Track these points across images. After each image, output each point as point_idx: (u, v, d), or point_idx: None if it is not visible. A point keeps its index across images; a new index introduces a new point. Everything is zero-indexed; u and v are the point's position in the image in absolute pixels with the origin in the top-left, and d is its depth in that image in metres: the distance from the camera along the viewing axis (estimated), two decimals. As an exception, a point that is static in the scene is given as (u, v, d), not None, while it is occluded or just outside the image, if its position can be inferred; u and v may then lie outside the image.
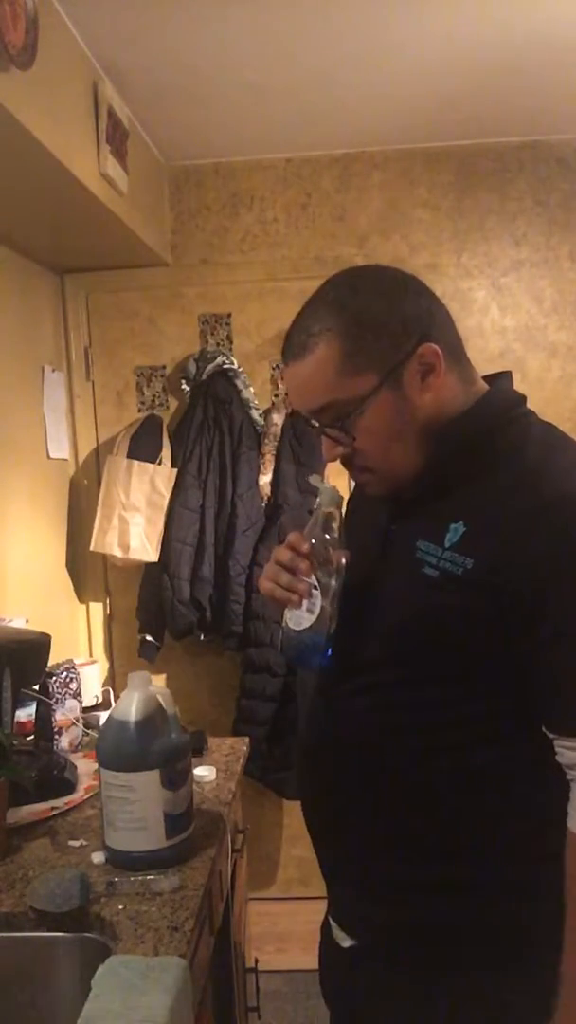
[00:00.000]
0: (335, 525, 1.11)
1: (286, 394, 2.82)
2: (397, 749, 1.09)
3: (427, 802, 1.08)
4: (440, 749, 1.07)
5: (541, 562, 0.97)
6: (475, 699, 1.05)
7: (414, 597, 1.06)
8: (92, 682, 2.22)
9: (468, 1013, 1.09)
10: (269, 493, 2.71)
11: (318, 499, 1.12)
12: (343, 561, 1.09)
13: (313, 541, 1.10)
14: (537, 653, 0.99)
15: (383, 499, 1.16)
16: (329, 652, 1.09)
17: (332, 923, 1.23)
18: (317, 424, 1.10)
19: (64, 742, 1.85)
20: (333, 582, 1.09)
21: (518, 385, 1.16)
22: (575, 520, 0.97)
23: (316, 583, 1.08)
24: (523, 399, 1.12)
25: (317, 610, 1.08)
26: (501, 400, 1.11)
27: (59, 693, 1.85)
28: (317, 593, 1.08)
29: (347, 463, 1.12)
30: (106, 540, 2.66)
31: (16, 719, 1.70)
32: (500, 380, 1.14)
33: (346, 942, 1.19)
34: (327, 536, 1.10)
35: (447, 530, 1.03)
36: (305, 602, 1.09)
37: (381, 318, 1.05)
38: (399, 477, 1.10)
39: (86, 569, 2.91)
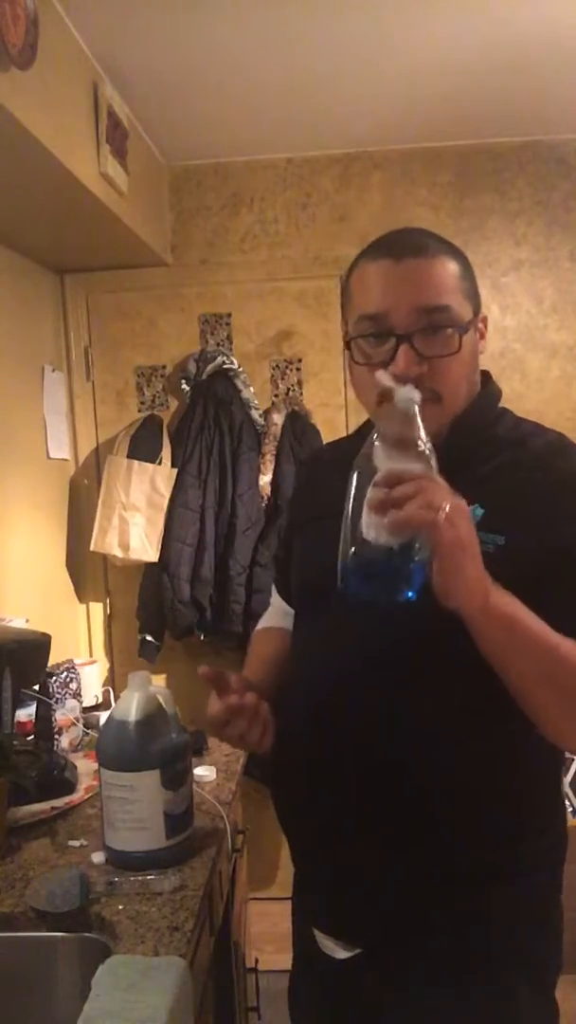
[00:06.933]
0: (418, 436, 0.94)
1: (287, 392, 2.83)
2: (424, 735, 1.06)
3: (455, 788, 1.06)
4: (469, 732, 1.05)
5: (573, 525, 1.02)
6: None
7: None
8: (92, 682, 2.22)
9: (494, 1006, 1.08)
10: (269, 493, 2.71)
11: (400, 412, 0.93)
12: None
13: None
14: None
15: None
16: (419, 584, 0.89)
17: (320, 935, 1.19)
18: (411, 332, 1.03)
19: (64, 742, 1.85)
20: None
21: (518, 385, 1.17)
22: None
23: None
24: (500, 393, 1.19)
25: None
26: (498, 393, 1.18)
27: (59, 693, 1.85)
28: None
29: (418, 384, 1.02)
30: (106, 540, 2.66)
31: (16, 719, 1.70)
32: (486, 374, 1.18)
33: (341, 953, 1.16)
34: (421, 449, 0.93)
35: None
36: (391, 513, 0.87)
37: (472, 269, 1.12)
38: (448, 419, 1.08)
39: (86, 569, 2.91)
